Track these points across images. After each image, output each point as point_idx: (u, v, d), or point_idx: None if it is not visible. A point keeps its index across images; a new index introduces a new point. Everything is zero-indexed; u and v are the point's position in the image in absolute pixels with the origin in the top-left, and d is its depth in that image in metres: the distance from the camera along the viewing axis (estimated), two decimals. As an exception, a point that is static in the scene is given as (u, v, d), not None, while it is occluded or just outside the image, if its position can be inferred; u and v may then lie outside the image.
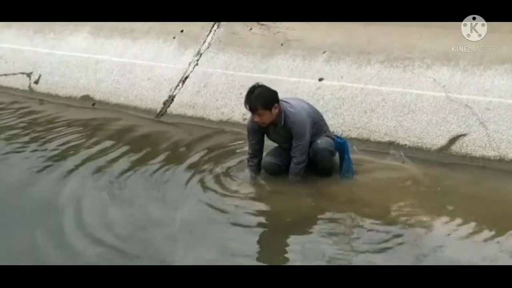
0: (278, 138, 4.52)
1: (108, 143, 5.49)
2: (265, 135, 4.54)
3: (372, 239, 3.87)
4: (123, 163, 5.09)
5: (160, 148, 5.36)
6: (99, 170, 5.00)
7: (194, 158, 5.11)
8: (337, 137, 4.61)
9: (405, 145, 4.90)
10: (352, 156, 4.55)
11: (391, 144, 4.95)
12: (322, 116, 4.60)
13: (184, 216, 4.26)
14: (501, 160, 4.56)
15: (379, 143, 4.99)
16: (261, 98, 4.21)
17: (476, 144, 4.70)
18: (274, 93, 4.31)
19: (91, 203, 4.49)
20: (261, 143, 4.56)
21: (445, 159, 4.72)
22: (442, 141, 4.80)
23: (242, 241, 3.94)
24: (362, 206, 4.23)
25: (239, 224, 4.12)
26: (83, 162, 5.14)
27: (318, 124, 4.48)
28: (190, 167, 4.96)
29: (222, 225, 4.13)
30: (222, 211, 4.28)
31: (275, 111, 4.25)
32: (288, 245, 3.96)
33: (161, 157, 5.17)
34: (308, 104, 4.60)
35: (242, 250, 3.83)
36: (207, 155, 5.14)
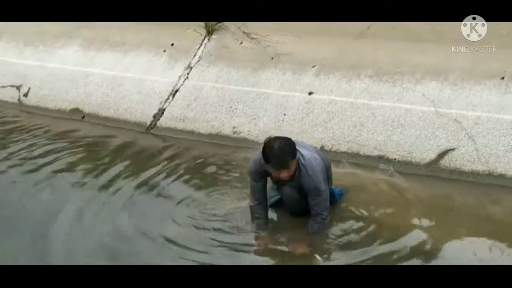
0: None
1: (96, 156, 5.48)
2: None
3: (362, 254, 3.87)
4: (111, 176, 5.07)
5: (150, 161, 5.34)
6: (85, 182, 5.00)
7: (184, 172, 5.10)
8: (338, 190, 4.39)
9: (395, 159, 4.90)
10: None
11: (380, 158, 4.95)
12: (330, 162, 4.24)
13: (170, 231, 4.24)
14: (490, 174, 4.57)
15: (368, 157, 4.99)
16: (287, 150, 3.69)
17: (465, 158, 4.71)
18: (291, 140, 3.80)
19: (76, 215, 4.50)
20: (265, 186, 4.07)
21: (435, 173, 4.72)
22: (431, 156, 4.81)
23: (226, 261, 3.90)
24: (352, 220, 4.22)
25: (225, 243, 4.07)
26: (71, 173, 5.16)
27: (326, 173, 4.03)
28: (179, 181, 4.96)
29: (208, 243, 4.10)
30: (208, 228, 4.25)
31: (296, 158, 3.77)
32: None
33: (150, 170, 5.15)
34: (315, 148, 4.25)
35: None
36: (197, 169, 5.12)
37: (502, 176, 4.53)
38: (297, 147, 3.80)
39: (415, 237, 3.98)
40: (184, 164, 5.24)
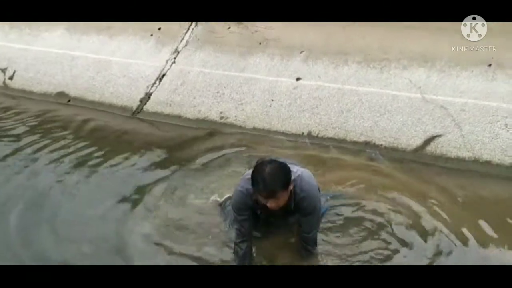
0: (273, 213, 3.54)
1: (81, 141, 5.43)
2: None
3: (350, 240, 3.92)
4: (96, 161, 5.05)
5: (135, 146, 5.30)
6: (70, 167, 4.98)
7: (169, 156, 5.09)
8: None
9: (381, 145, 4.91)
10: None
11: (367, 144, 4.96)
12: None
13: (157, 217, 4.27)
14: (475, 161, 4.59)
15: (355, 142, 5.00)
16: (278, 177, 3.23)
17: (451, 145, 4.73)
18: (286, 166, 3.33)
19: (58, 201, 4.55)
20: (252, 219, 3.59)
21: (421, 159, 4.73)
22: (417, 142, 4.83)
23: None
24: (338, 205, 4.24)
25: (215, 235, 4.09)
26: (55, 159, 5.13)
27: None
28: (164, 166, 4.94)
29: (197, 230, 4.13)
30: (196, 215, 4.28)
31: (290, 188, 3.33)
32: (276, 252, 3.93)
33: (136, 155, 5.13)
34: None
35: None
36: (183, 154, 5.11)
37: (487, 162, 4.55)
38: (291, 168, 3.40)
39: (403, 224, 4.04)
40: (169, 149, 5.22)
